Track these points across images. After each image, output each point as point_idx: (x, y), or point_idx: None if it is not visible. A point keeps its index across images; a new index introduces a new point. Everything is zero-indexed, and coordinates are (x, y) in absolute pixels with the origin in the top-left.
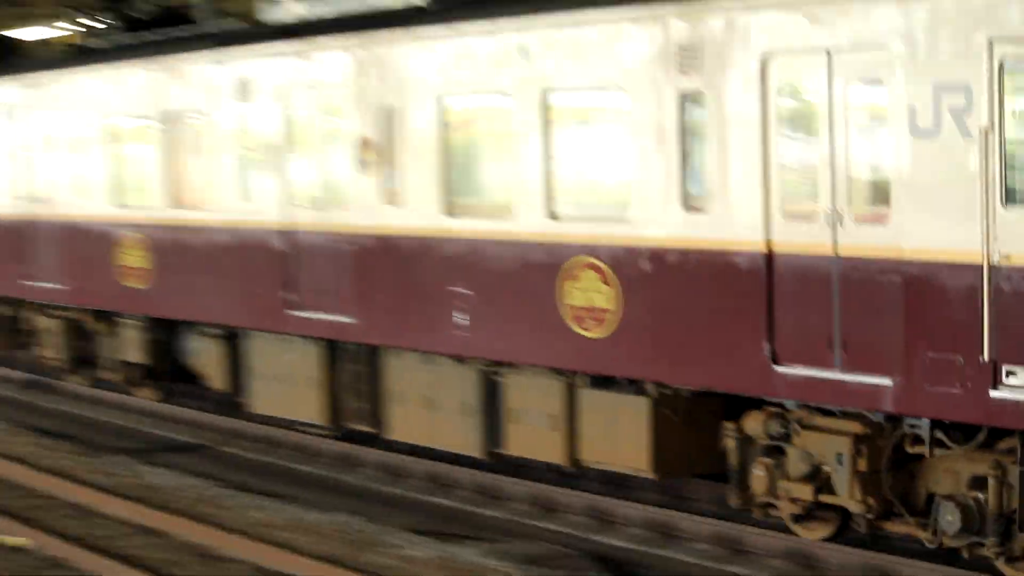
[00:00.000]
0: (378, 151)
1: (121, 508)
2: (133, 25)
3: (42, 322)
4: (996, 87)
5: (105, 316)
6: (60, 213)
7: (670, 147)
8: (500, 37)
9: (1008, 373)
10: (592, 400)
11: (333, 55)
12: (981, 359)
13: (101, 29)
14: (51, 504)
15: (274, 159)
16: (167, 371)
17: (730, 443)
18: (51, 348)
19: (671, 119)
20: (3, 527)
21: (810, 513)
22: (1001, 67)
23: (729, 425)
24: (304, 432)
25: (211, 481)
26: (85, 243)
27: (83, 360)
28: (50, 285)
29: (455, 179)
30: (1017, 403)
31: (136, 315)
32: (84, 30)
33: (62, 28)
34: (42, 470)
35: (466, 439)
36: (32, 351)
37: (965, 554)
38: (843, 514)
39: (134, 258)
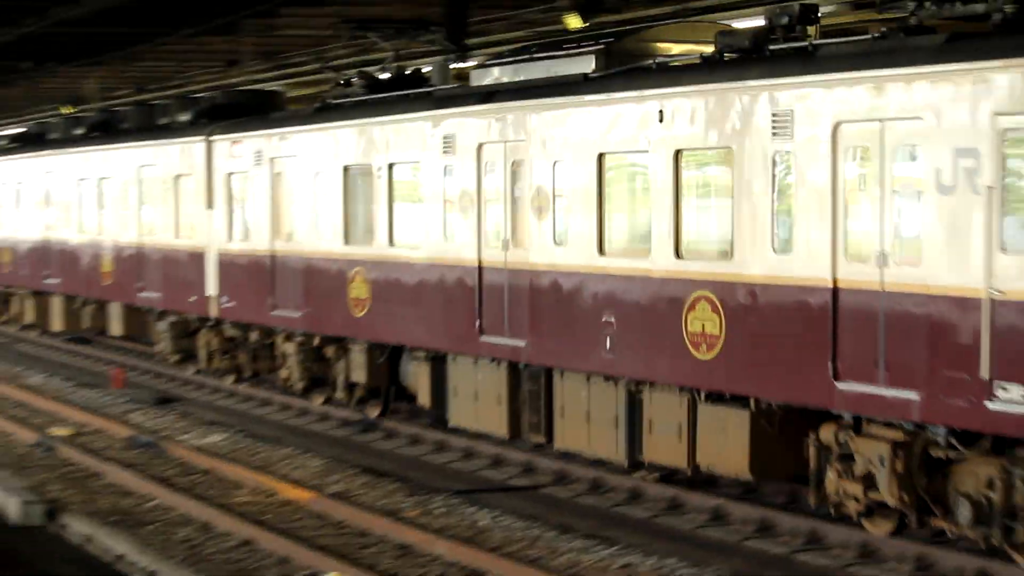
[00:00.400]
0: (548, 199)
1: (446, 549)
2: (373, 86)
3: (285, 347)
4: (997, 152)
5: (336, 340)
6: (300, 250)
7: (764, 199)
8: (645, 104)
9: (1001, 388)
10: (706, 413)
11: (517, 115)
12: (981, 376)
13: (346, 87)
14: (378, 542)
15: (469, 205)
16: (388, 390)
17: (811, 450)
18: (293, 370)
19: (766, 176)
20: (330, 566)
21: (872, 510)
22: (1005, 134)
23: (811, 435)
24: (632, 478)
25: (538, 523)
26: (320, 277)
27: (319, 380)
28: (291, 314)
29: (607, 224)
30: (1007, 413)
31: (360, 340)
32: (331, 88)
33: (312, 84)
34: (370, 509)
35: (614, 448)
36: (279, 374)
37: (981, 543)
38: (902, 512)
39: (357, 290)
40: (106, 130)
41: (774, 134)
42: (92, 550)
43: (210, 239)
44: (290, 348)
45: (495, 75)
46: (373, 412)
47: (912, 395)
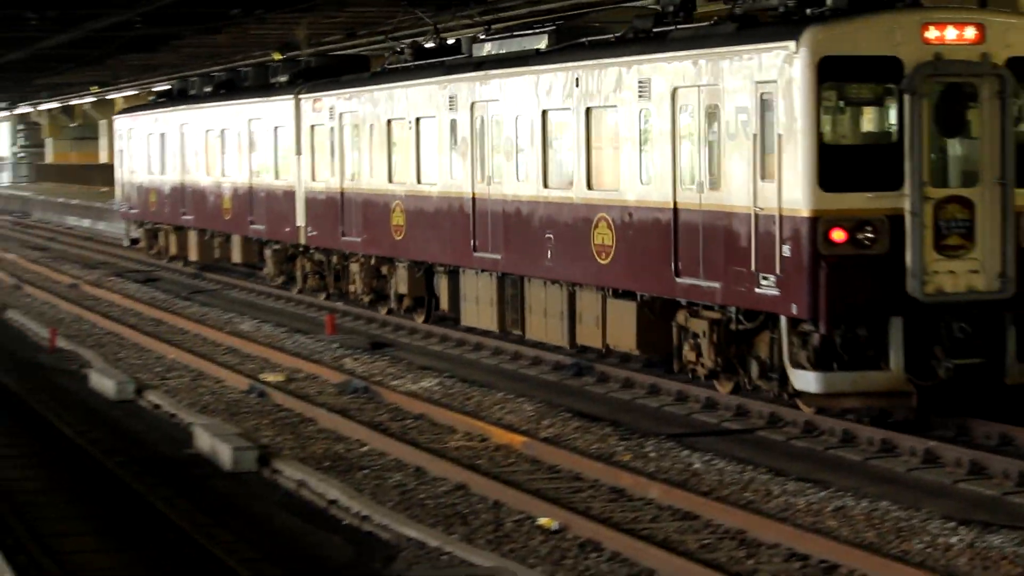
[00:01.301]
0: (512, 144)
1: (660, 492)
2: (419, 53)
3: (352, 267)
4: (759, 108)
5: (389, 260)
6: (361, 188)
7: (634, 144)
8: (569, 73)
9: (763, 278)
10: (610, 305)
11: (497, 81)
12: (751, 269)
13: (400, 55)
14: (591, 486)
15: (468, 149)
16: (429, 300)
17: (673, 330)
18: (358, 284)
19: (635, 127)
20: (543, 510)
21: (716, 373)
22: (762, 97)
23: (675, 320)
24: (847, 420)
25: (751, 467)
26: (372, 209)
27: (379, 294)
28: (354, 239)
29: (550, 163)
30: (767, 295)
31: (404, 259)
32: (389, 54)
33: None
34: (582, 453)
35: (560, 335)
36: (347, 288)
37: (769, 392)
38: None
39: (397, 218)
40: (230, 88)
41: (639, 96)
42: (305, 495)
43: (299, 179)
44: (355, 268)
45: (486, 49)
46: (419, 318)
47: (716, 285)
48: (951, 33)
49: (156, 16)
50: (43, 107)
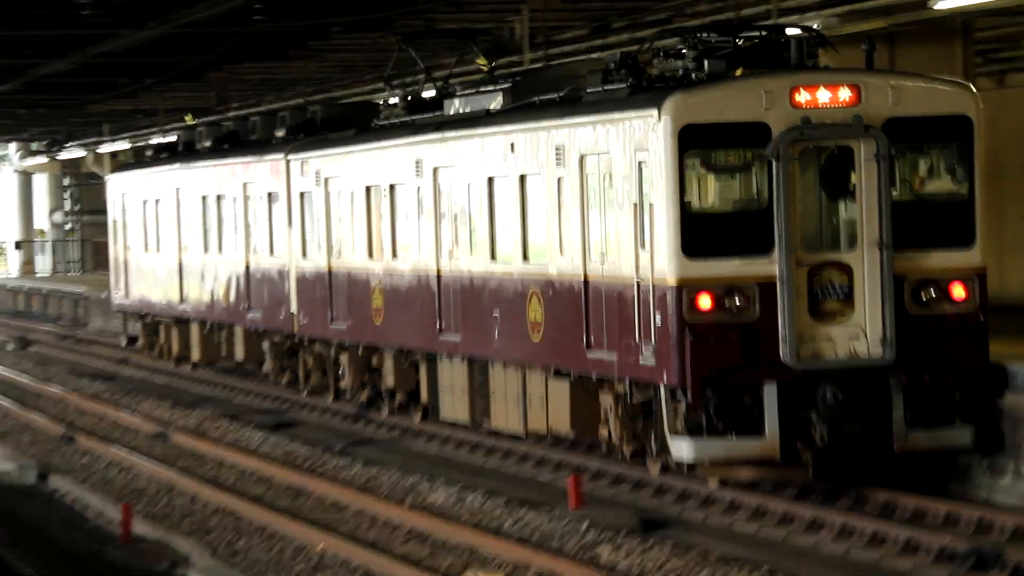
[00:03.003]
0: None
1: None
2: (414, 107)
3: (342, 358)
4: (637, 176)
5: (376, 350)
6: (344, 266)
7: (554, 215)
8: (500, 138)
9: (645, 347)
10: (550, 384)
11: (453, 144)
12: (636, 340)
13: (393, 108)
14: None
15: (432, 220)
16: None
17: (601, 408)
18: (348, 378)
19: (555, 195)
20: None
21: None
22: (640, 165)
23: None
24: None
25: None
26: (355, 289)
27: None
28: (340, 326)
29: (496, 234)
30: (646, 365)
31: (388, 346)
32: (384, 107)
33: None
34: None
35: (518, 422)
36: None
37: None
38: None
39: (376, 299)
40: (234, 142)
41: (556, 163)
42: None
43: (291, 256)
44: (344, 359)
45: (456, 107)
46: (416, 417)
47: (614, 357)
48: (824, 96)
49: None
50: (106, 148)
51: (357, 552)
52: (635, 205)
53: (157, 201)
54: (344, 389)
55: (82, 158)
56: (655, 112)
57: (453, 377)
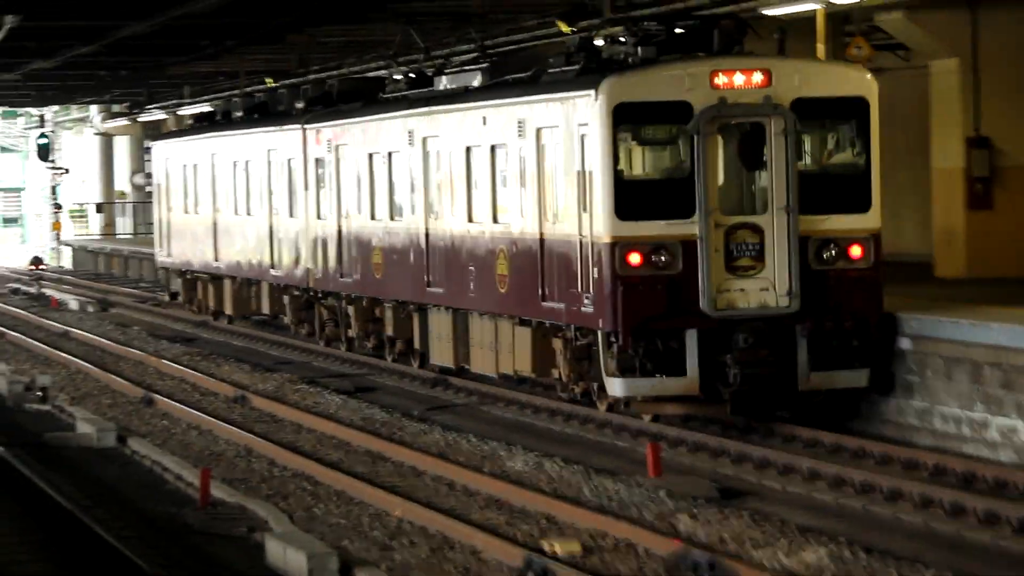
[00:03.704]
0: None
1: None
2: (414, 82)
3: (349, 309)
4: (580, 148)
5: (379, 302)
6: (352, 226)
7: (517, 181)
8: (474, 112)
9: (586, 297)
10: (516, 332)
11: (439, 117)
12: (579, 290)
13: (396, 84)
14: None
15: (422, 184)
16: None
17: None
18: (355, 327)
19: (517, 163)
20: None
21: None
22: (583, 138)
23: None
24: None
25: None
26: (361, 247)
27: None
28: (347, 279)
29: (472, 198)
30: (586, 312)
31: (388, 299)
32: (389, 83)
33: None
34: None
35: (492, 365)
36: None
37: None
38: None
39: (376, 256)
40: (263, 113)
41: (519, 135)
42: None
43: (306, 217)
44: (352, 311)
45: (444, 83)
46: (415, 364)
47: (562, 306)
48: (739, 78)
49: None
50: (187, 110)
51: (435, 518)
52: (578, 172)
53: (195, 166)
54: (353, 338)
55: (163, 120)
56: (593, 92)
57: (440, 326)
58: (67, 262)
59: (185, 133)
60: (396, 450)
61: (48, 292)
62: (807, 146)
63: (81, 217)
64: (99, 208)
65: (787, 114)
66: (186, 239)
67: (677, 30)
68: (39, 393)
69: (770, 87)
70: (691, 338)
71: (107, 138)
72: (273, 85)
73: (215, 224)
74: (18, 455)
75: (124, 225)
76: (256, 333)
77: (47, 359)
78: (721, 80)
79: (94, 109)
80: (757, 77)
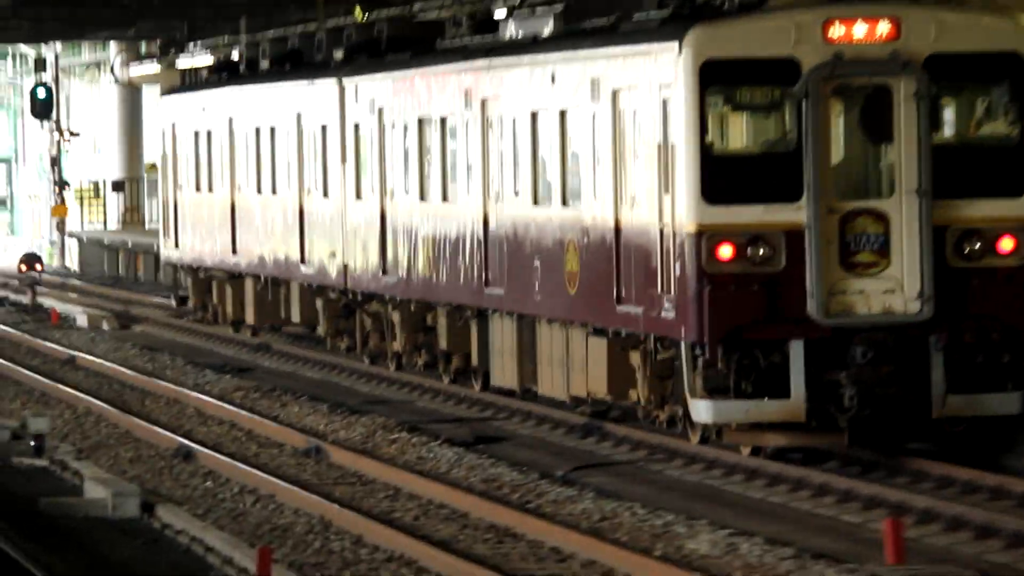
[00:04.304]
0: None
1: None
2: (481, 26)
3: (393, 316)
4: (662, 115)
5: (430, 307)
6: (397, 208)
7: (588, 154)
8: (541, 69)
9: (667, 300)
10: (590, 343)
11: (498, 73)
12: (659, 291)
13: (458, 27)
14: None
15: (479, 157)
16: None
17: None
18: (400, 340)
19: (589, 133)
20: None
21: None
22: (665, 103)
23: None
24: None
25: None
26: (407, 236)
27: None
28: (391, 278)
29: (539, 175)
30: (667, 319)
31: (442, 303)
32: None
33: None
34: None
35: (562, 386)
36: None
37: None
38: None
39: (426, 248)
40: (296, 62)
41: (592, 98)
42: None
43: (343, 198)
44: (396, 318)
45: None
46: (477, 387)
47: (640, 311)
48: (860, 29)
49: None
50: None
51: None
52: (659, 145)
53: (209, 132)
54: (400, 353)
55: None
56: (676, 45)
57: (501, 337)
58: (73, 261)
59: (198, 87)
60: (532, 524)
61: (46, 303)
62: (945, 114)
63: (94, 199)
64: (119, 187)
65: (920, 74)
66: (198, 226)
67: None
68: (32, 443)
69: (899, 40)
70: (796, 351)
71: (132, 90)
72: (363, 20)
73: (233, 207)
74: (1, 529)
75: (154, 210)
76: (334, 360)
77: (44, 396)
78: (837, 31)
79: (113, 49)
80: (883, 27)
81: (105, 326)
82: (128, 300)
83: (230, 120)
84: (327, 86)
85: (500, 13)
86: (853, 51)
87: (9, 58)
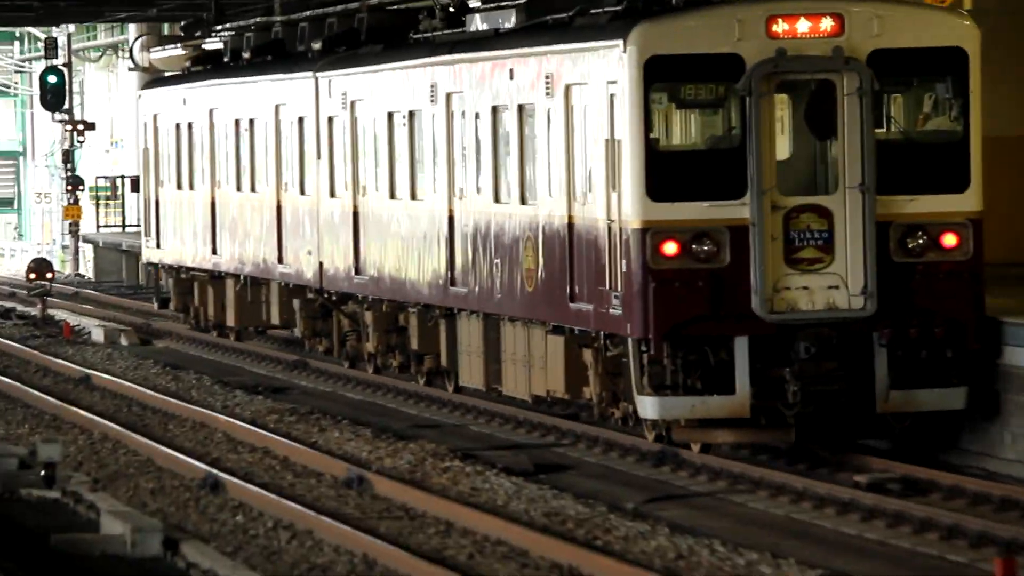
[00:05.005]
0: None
1: None
2: (454, 18)
3: (366, 316)
4: (609, 111)
5: (401, 306)
6: (369, 205)
7: (544, 150)
8: (501, 64)
9: (615, 296)
10: (549, 341)
11: (460, 67)
12: (607, 288)
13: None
14: None
15: (444, 152)
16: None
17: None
18: (372, 341)
19: (544, 128)
20: None
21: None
22: (612, 99)
23: None
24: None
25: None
26: (379, 232)
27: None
28: (363, 277)
29: (500, 171)
30: (615, 315)
31: (413, 303)
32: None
33: None
34: None
35: (524, 386)
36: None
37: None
38: None
39: (393, 245)
40: (278, 54)
41: (546, 93)
42: None
43: (317, 194)
44: (369, 318)
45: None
46: (450, 388)
47: (590, 307)
48: (803, 25)
49: None
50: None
51: None
52: (606, 141)
53: (190, 125)
54: (374, 355)
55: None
56: (621, 42)
57: (468, 337)
58: (88, 268)
59: (180, 80)
60: (600, 563)
61: (58, 315)
62: (889, 110)
63: (111, 199)
64: (138, 185)
65: (863, 69)
66: (179, 225)
67: None
68: (43, 472)
69: (842, 36)
70: (741, 347)
71: (153, 77)
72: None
73: (213, 204)
74: (8, 569)
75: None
76: (379, 380)
77: (56, 419)
78: (780, 27)
79: (132, 31)
80: (826, 23)
81: (123, 341)
82: (149, 312)
83: (210, 112)
84: (304, 79)
85: (476, 3)
86: (796, 47)
87: (16, 41)
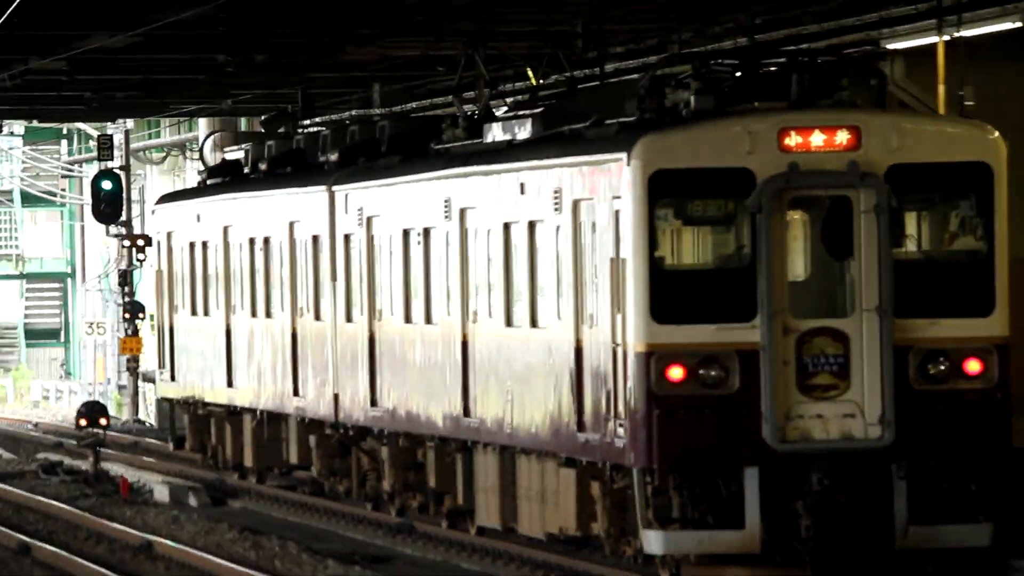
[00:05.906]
0: None
1: None
2: (474, 128)
3: (383, 452)
4: (615, 227)
5: (418, 441)
6: (384, 329)
7: (552, 268)
8: (513, 176)
9: (619, 424)
10: (561, 474)
11: (473, 180)
12: (612, 415)
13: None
14: None
15: (459, 271)
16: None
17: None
18: (388, 478)
19: (553, 245)
20: None
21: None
22: (617, 215)
23: None
24: None
25: None
26: (394, 358)
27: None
28: (379, 411)
29: (512, 291)
30: (618, 445)
31: (430, 435)
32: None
33: None
34: None
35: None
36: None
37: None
38: None
39: (412, 371)
40: (298, 165)
41: (555, 208)
42: None
43: (333, 319)
44: (385, 454)
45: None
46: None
47: (597, 436)
48: (817, 139)
49: None
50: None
51: None
52: (611, 260)
53: (204, 244)
54: (392, 494)
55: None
56: (625, 156)
57: (484, 471)
58: (149, 413)
59: (194, 194)
60: None
61: (113, 469)
62: (909, 227)
63: None
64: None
65: (880, 186)
66: (194, 354)
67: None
68: None
69: (859, 150)
70: (751, 478)
71: None
72: (536, 84)
73: (228, 332)
74: None
75: None
76: (495, 544)
77: None
78: (793, 140)
79: (204, 127)
80: (841, 136)
81: (192, 501)
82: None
83: (225, 230)
84: (318, 193)
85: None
86: (810, 161)
87: (63, 139)
